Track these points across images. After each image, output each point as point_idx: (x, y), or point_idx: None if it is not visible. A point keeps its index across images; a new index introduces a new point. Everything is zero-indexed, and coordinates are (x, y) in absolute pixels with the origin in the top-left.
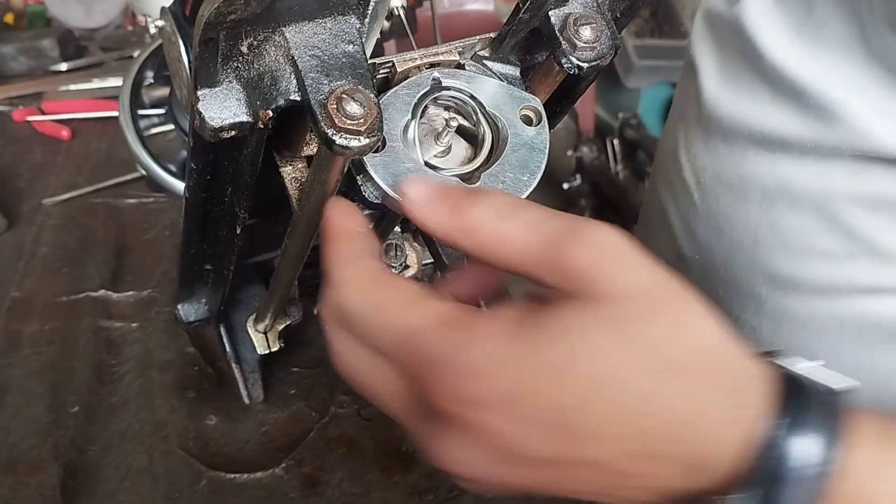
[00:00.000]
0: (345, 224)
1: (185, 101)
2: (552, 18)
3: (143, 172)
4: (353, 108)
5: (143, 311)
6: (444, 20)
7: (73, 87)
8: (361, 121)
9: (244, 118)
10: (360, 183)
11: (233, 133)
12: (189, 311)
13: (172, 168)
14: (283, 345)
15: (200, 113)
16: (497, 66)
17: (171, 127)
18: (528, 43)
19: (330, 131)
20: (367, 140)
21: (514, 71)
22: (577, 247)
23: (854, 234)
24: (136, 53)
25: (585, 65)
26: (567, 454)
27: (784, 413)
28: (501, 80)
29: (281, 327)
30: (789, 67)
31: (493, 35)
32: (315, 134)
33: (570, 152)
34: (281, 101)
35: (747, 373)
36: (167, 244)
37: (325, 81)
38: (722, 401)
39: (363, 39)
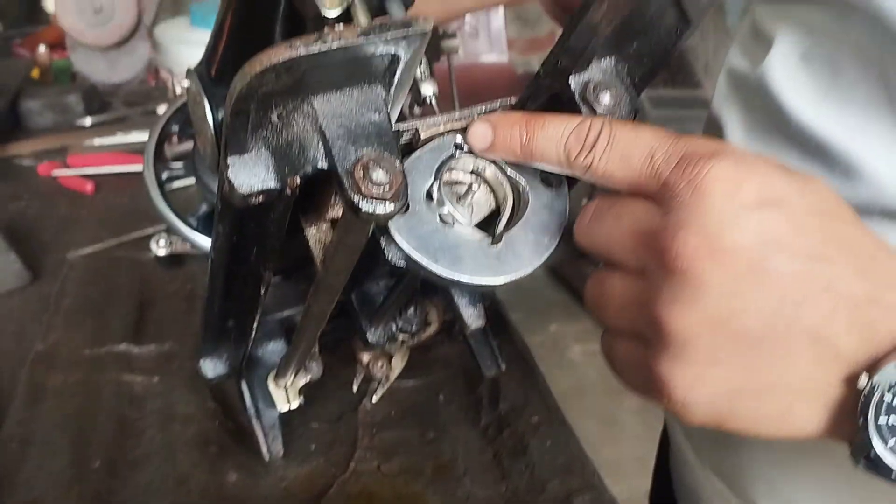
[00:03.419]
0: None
1: (209, 159)
2: (572, 84)
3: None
4: (378, 175)
5: (164, 364)
6: (460, 72)
7: (97, 141)
8: (387, 187)
9: (272, 184)
10: (383, 245)
11: (261, 199)
12: (211, 366)
13: (193, 223)
14: (302, 401)
15: (230, 180)
16: None
17: (192, 181)
18: (548, 106)
19: (356, 198)
20: (393, 206)
21: None
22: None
23: None
24: (158, 108)
25: None
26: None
27: None
28: None
29: (301, 383)
30: (816, 127)
31: (513, 100)
32: (341, 200)
33: (585, 200)
34: (309, 169)
35: None
36: (189, 297)
37: (352, 149)
38: None
39: (389, 108)
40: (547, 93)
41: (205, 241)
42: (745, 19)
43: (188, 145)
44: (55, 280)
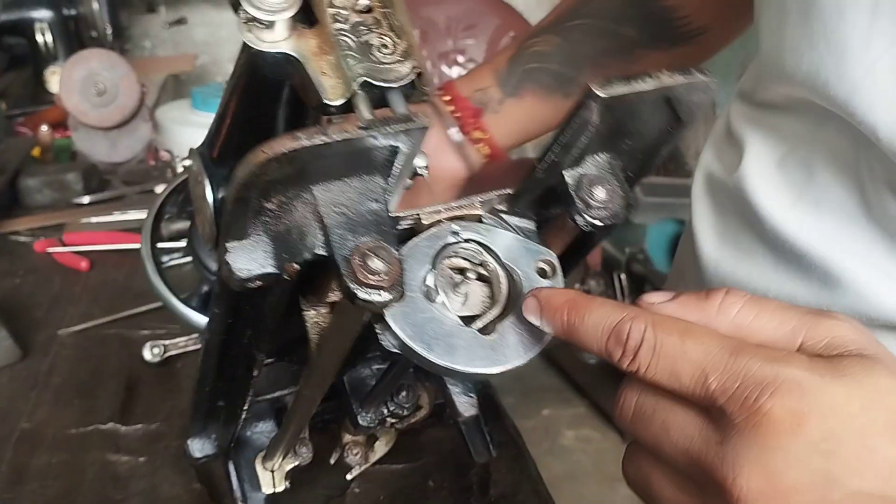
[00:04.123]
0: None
1: (207, 238)
2: (567, 178)
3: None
4: (376, 264)
5: (150, 444)
6: None
7: (94, 219)
8: (384, 276)
9: (271, 269)
10: (378, 332)
11: (259, 283)
12: (199, 446)
13: (186, 298)
14: (289, 485)
15: (229, 264)
16: (513, 220)
17: (187, 259)
18: (543, 199)
19: (353, 286)
20: (389, 295)
21: (529, 224)
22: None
23: None
24: (157, 187)
25: (599, 223)
26: None
27: None
28: (518, 232)
29: (289, 467)
30: (791, 232)
31: (510, 191)
32: (338, 287)
33: (577, 286)
34: (307, 255)
35: None
36: (178, 376)
37: (351, 237)
38: None
39: (387, 197)
40: (543, 186)
41: (198, 318)
42: (719, 120)
43: (185, 224)
44: (45, 357)
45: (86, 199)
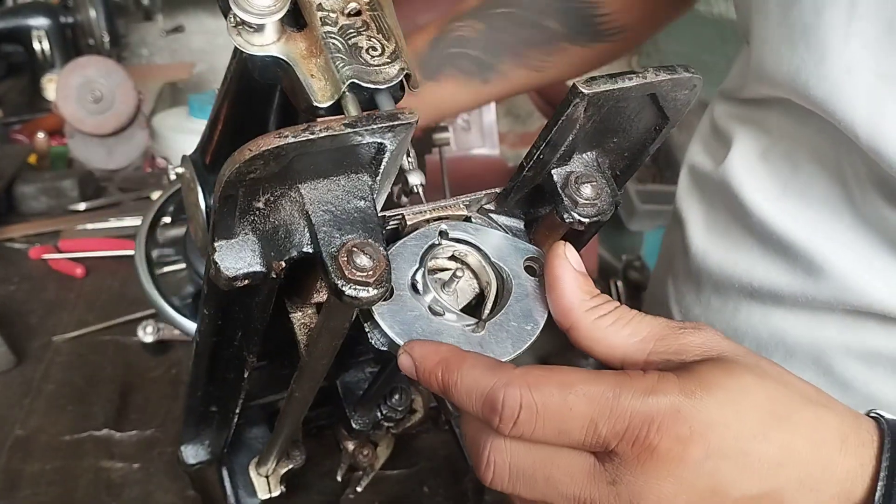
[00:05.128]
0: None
1: (200, 243)
2: (555, 176)
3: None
4: (362, 260)
5: (145, 451)
6: (452, 164)
7: (90, 226)
8: (371, 272)
9: (258, 268)
10: (367, 330)
11: (246, 282)
12: (192, 452)
13: (182, 305)
14: (283, 489)
15: (216, 263)
16: (502, 219)
17: (182, 266)
18: (531, 197)
19: (340, 282)
20: (376, 291)
21: (518, 223)
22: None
23: (849, 387)
24: (153, 194)
25: (587, 220)
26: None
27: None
28: (506, 231)
29: (283, 471)
30: (776, 223)
31: (498, 190)
32: (325, 284)
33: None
34: (294, 253)
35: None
36: (172, 382)
37: (337, 235)
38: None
39: (374, 195)
40: (530, 184)
41: (192, 326)
42: (704, 117)
43: (180, 231)
44: (39, 363)
45: (82, 206)
